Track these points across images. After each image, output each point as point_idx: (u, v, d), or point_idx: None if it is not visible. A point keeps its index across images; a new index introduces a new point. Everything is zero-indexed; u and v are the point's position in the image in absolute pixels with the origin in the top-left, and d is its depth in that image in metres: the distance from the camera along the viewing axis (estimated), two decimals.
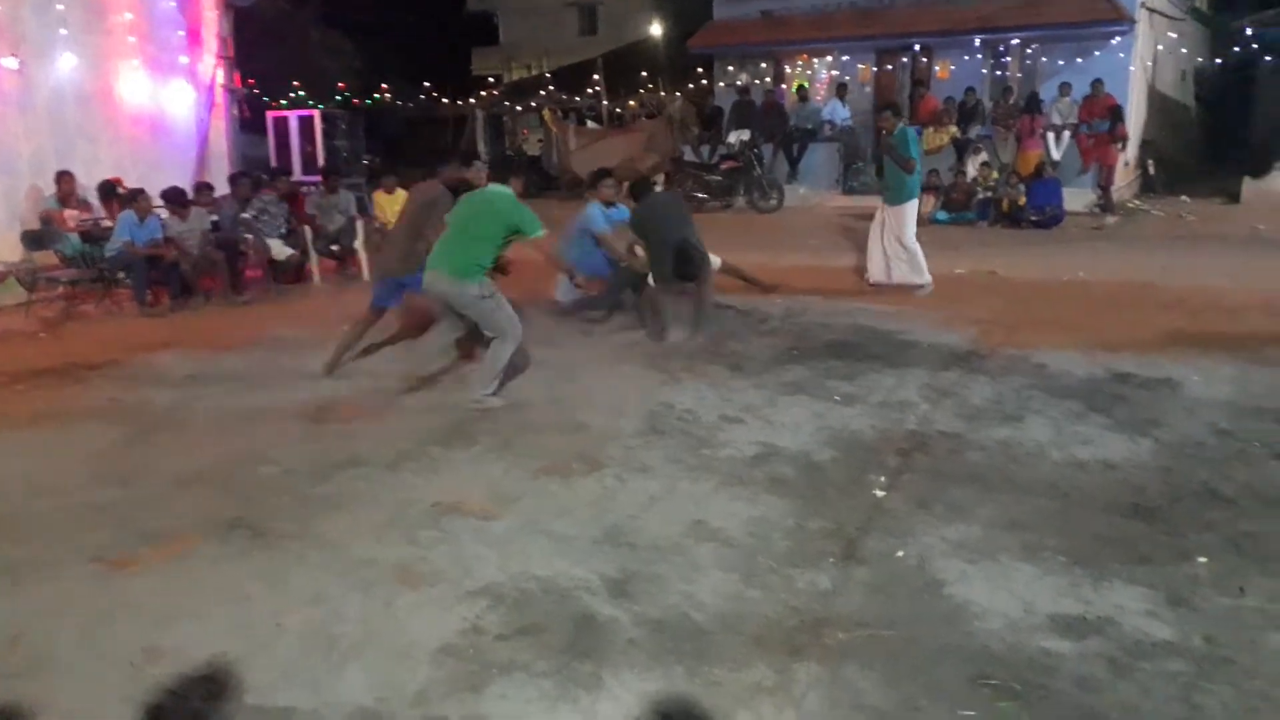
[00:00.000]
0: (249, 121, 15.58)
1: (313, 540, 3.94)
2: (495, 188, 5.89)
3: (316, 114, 16.90)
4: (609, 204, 7.74)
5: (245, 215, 9.80)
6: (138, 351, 7.30)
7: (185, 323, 8.56)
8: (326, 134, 16.64)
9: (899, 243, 8.79)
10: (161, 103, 11.81)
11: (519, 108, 24.54)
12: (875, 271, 9.07)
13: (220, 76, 12.55)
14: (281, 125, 16.81)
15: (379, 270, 6.50)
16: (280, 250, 9.90)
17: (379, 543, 3.90)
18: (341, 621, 3.29)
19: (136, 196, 9.19)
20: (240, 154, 13.16)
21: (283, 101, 19.15)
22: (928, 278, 8.81)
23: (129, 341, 7.69)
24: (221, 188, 10.73)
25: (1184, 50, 18.26)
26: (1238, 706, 2.74)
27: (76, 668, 3.06)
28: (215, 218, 9.81)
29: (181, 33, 12.07)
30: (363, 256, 10.75)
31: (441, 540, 3.88)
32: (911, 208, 8.84)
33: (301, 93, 20.86)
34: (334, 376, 6.36)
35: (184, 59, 12.06)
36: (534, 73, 29.25)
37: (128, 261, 8.93)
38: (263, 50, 18.46)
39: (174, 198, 9.47)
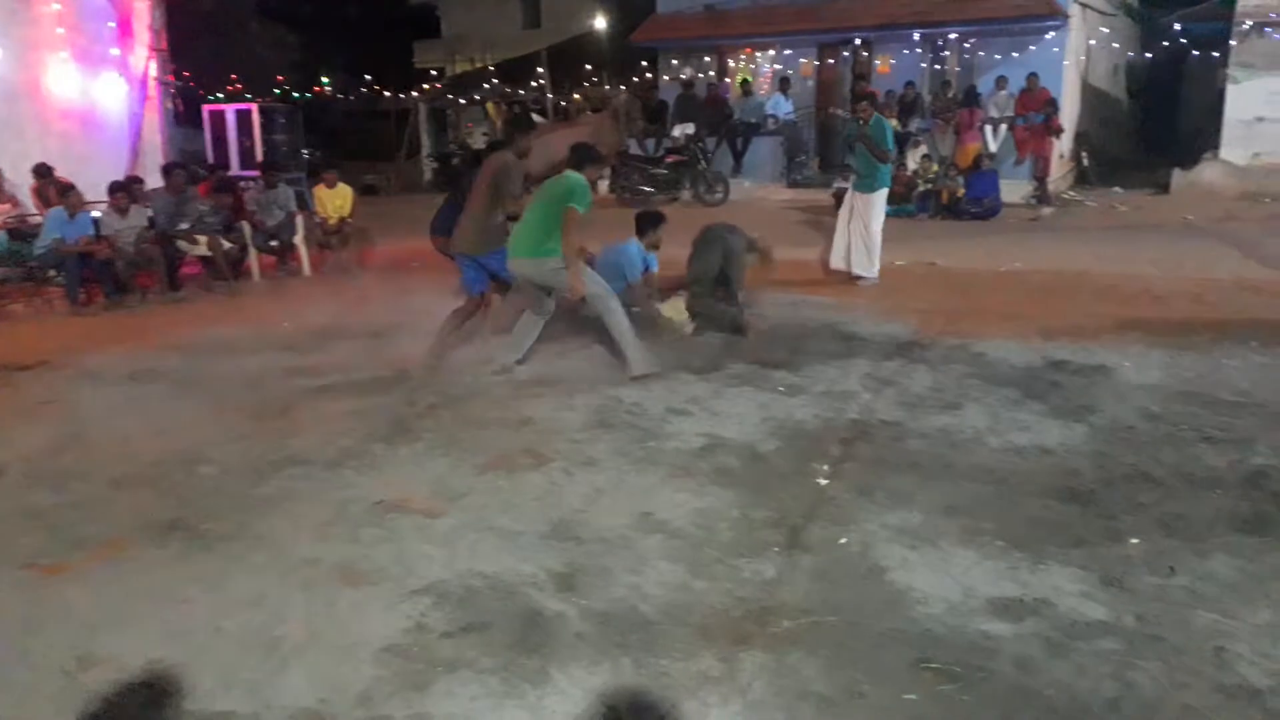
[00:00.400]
0: (185, 115, 15.25)
1: (252, 541, 3.87)
2: (573, 174, 6.05)
3: (254, 107, 16.58)
4: (653, 248, 7.40)
5: (183, 226, 9.57)
6: (70, 352, 7.11)
7: (120, 321, 8.36)
8: (265, 128, 16.33)
9: (866, 229, 8.89)
10: (92, 96, 11.52)
11: (462, 101, 24.30)
12: (836, 258, 9.14)
13: (153, 69, 12.27)
14: (218, 119, 16.45)
15: (457, 250, 6.47)
16: (199, 245, 9.66)
17: (321, 542, 3.84)
18: (283, 623, 3.24)
19: (67, 192, 8.94)
20: (176, 148, 12.89)
21: (219, 95, 18.74)
22: (876, 271, 8.92)
23: (61, 342, 7.49)
24: (157, 181, 10.48)
25: (1115, 45, 18.68)
26: (1168, 683, 2.82)
27: (8, 676, 2.98)
28: (150, 213, 9.58)
29: (112, 24, 11.77)
30: (303, 251, 10.59)
31: (385, 538, 3.84)
32: (882, 196, 8.96)
33: (239, 86, 20.45)
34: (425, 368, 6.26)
35: (115, 51, 11.77)
36: (477, 66, 28.98)
37: (58, 259, 8.69)
38: (198, 42, 18.05)
39: (119, 189, 9.23)
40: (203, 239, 9.58)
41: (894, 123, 15.19)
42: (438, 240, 7.41)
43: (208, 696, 2.86)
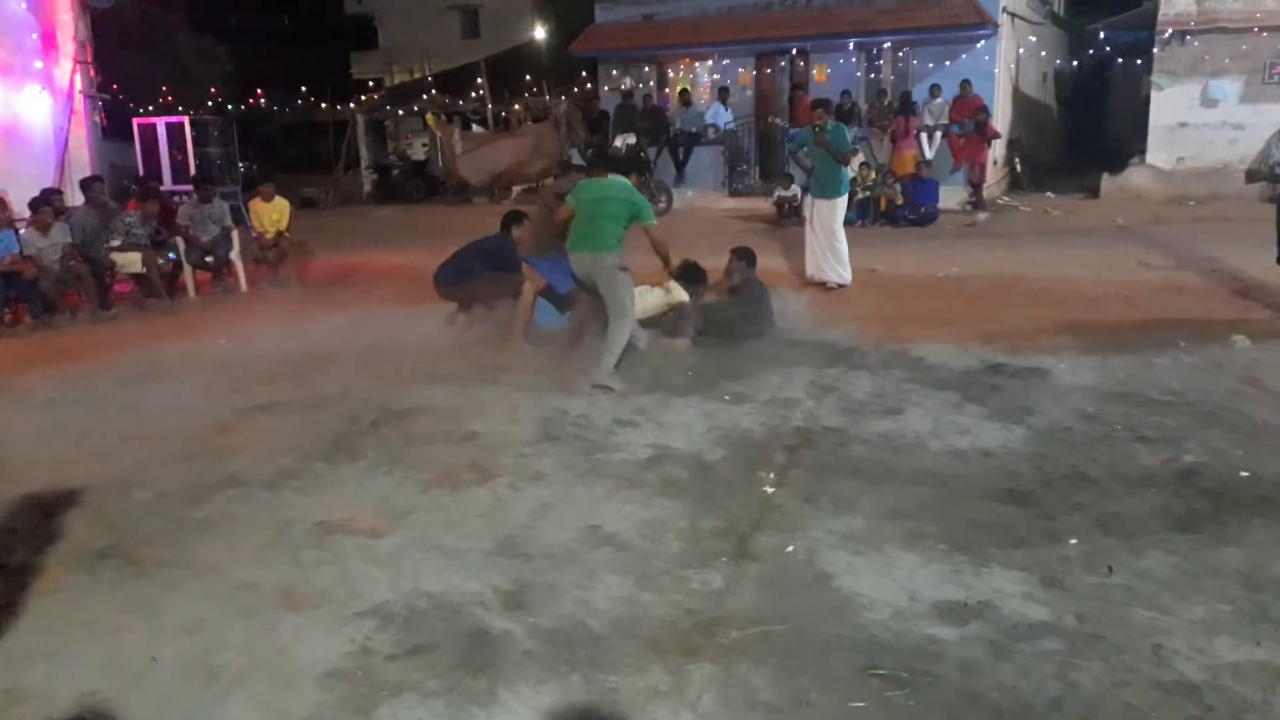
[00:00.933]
0: (114, 129, 14.88)
1: (189, 566, 3.77)
2: (616, 177, 6.42)
3: (186, 120, 16.26)
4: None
5: (114, 243, 9.31)
6: None
7: (48, 342, 8.10)
8: (198, 141, 16.03)
9: (830, 235, 8.91)
10: (15, 109, 11.19)
11: (401, 112, 24.08)
12: (811, 267, 9.19)
13: (79, 82, 11.94)
14: (149, 132, 16.12)
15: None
16: (130, 260, 9.40)
17: (260, 566, 3.75)
18: (222, 650, 3.16)
19: None
20: (105, 162, 12.56)
21: (150, 108, 18.34)
22: (849, 275, 8.99)
23: None
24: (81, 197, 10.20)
25: (1044, 53, 19.17)
26: (1109, 681, 2.88)
27: None
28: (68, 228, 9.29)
29: (36, 36, 11.45)
30: (239, 267, 10.38)
31: (327, 560, 3.76)
32: (844, 201, 9.07)
33: (171, 98, 20.02)
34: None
35: (39, 64, 11.44)
36: (416, 76, 28.78)
37: None
38: (126, 55, 17.66)
39: (41, 205, 8.96)
40: (136, 255, 9.32)
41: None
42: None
43: None
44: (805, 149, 9.19)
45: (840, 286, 8.95)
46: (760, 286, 7.51)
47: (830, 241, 8.93)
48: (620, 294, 6.19)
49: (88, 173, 11.62)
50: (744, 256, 7.40)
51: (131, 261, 9.33)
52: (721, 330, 7.08)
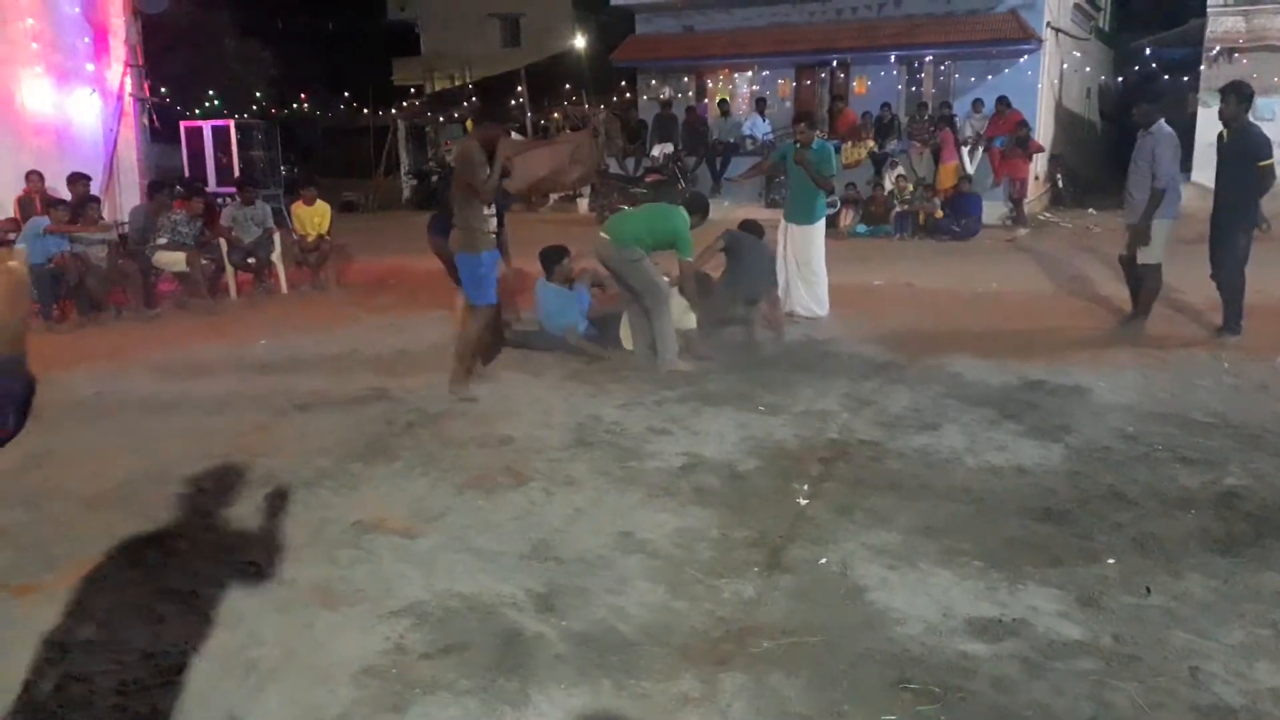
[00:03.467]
0: (161, 131, 15.16)
1: (226, 562, 3.83)
2: (678, 209, 6.81)
3: (231, 124, 16.53)
4: (567, 282, 7.46)
5: (160, 240, 9.47)
6: (42, 369, 6.99)
7: (94, 339, 8.27)
8: (242, 144, 16.30)
9: (807, 267, 8.20)
10: (67, 111, 11.42)
11: (441, 119, 24.32)
12: (789, 302, 8.30)
13: (129, 85, 12.18)
14: (195, 135, 16.40)
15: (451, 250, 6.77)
16: (174, 260, 9.55)
17: (297, 563, 3.81)
18: (259, 644, 3.21)
19: (56, 205, 8.88)
20: (152, 164, 12.79)
21: (196, 111, 18.67)
22: (826, 307, 8.29)
23: (33, 359, 7.38)
24: (132, 198, 10.40)
25: (1088, 69, 19.00)
26: (1145, 702, 2.84)
27: None
28: (122, 229, 9.49)
29: (88, 39, 11.69)
30: (280, 269, 10.53)
31: (362, 559, 3.81)
32: (821, 229, 8.31)
33: (216, 102, 20.38)
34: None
35: (90, 66, 11.68)
36: (456, 83, 29.03)
37: (32, 276, 8.60)
38: (175, 58, 18.00)
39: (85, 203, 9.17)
40: (180, 255, 9.48)
41: (871, 144, 15.35)
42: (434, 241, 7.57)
43: (183, 718, 2.82)
44: (782, 161, 8.45)
45: (811, 318, 8.16)
46: (750, 241, 7.47)
47: (804, 271, 8.18)
48: (646, 277, 6.59)
49: (136, 174, 11.88)
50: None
51: (175, 261, 9.49)
52: (711, 302, 7.16)
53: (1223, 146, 7.05)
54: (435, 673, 3.02)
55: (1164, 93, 7.30)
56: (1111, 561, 3.73)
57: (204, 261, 9.78)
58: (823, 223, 8.35)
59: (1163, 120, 7.19)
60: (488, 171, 5.90)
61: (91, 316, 8.84)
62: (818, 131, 8.69)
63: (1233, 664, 3.02)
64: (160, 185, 10.36)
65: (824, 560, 3.78)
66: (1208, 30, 15.37)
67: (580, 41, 25.05)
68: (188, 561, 3.84)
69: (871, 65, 16.84)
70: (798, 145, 8.10)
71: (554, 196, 19.45)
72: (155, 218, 9.60)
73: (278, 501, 4.45)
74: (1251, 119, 7.14)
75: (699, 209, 6.95)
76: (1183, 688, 2.91)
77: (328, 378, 6.52)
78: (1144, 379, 6.21)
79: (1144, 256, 7.33)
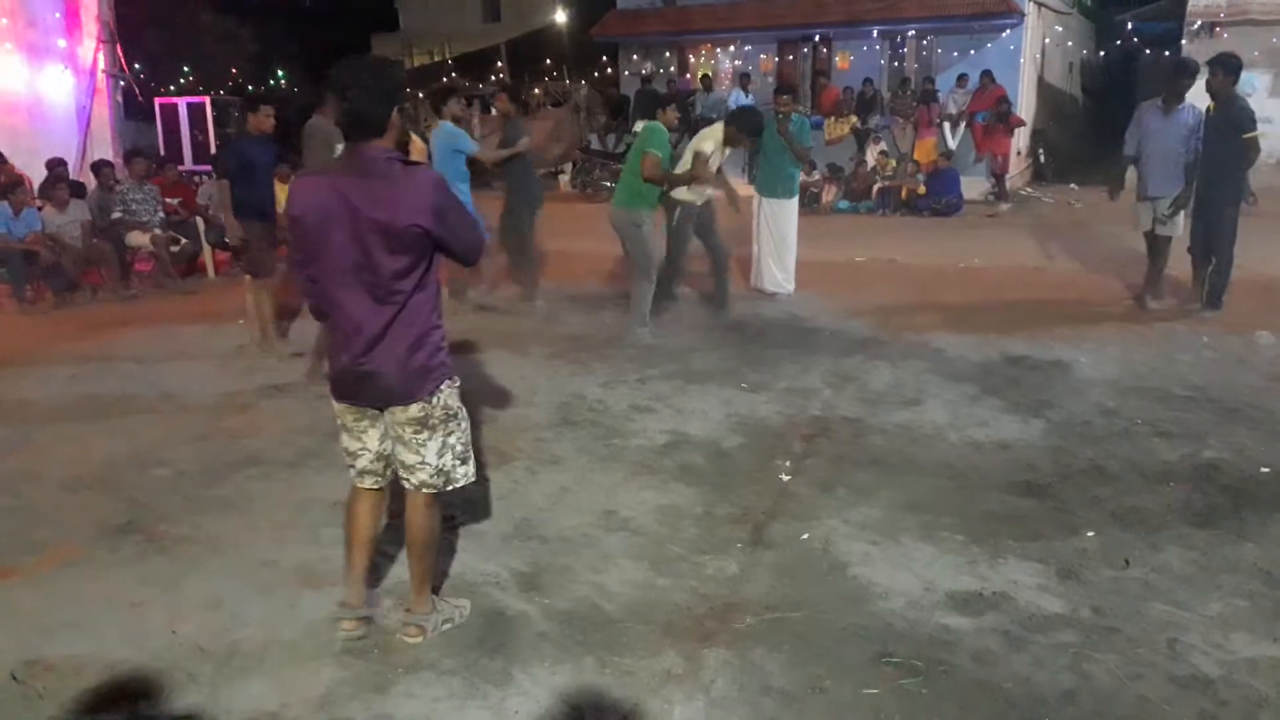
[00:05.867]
0: (136, 108, 14.96)
1: (209, 543, 3.81)
2: (650, 123, 6.79)
3: (207, 101, 16.31)
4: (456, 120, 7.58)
5: (115, 215, 9.30)
6: (18, 351, 6.95)
7: (69, 320, 8.17)
8: (218, 121, 16.08)
9: (783, 242, 8.12)
10: (38, 88, 11.25)
11: (421, 94, 24.07)
12: (762, 278, 8.32)
13: (102, 61, 11.99)
14: (170, 112, 16.18)
15: None
16: (138, 239, 9.36)
17: (279, 544, 3.79)
18: (241, 626, 3.19)
19: (15, 188, 8.72)
20: (127, 141, 12.60)
21: (172, 88, 18.41)
22: (793, 283, 8.22)
23: (8, 341, 7.31)
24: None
25: (1070, 43, 18.96)
26: (1123, 674, 2.87)
27: None
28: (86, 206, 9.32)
29: (59, 14, 11.50)
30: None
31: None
32: (795, 204, 8.29)
33: (192, 78, 20.10)
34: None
35: (62, 42, 11.49)
36: (436, 59, 28.73)
37: (3, 256, 8.48)
38: (149, 34, 17.73)
39: (55, 182, 9.02)
40: (145, 235, 9.31)
41: (854, 119, 15.30)
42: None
43: (165, 700, 2.81)
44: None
45: (780, 294, 8.11)
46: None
47: (779, 248, 8.11)
48: (639, 247, 6.68)
49: (110, 151, 11.70)
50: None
51: (145, 242, 9.35)
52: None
53: (1209, 119, 7.02)
54: (418, 652, 3.02)
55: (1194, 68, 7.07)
56: (1091, 535, 3.76)
57: (184, 241, 9.66)
58: (797, 198, 8.33)
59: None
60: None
61: (66, 297, 8.74)
62: (800, 107, 8.54)
63: (1210, 635, 3.06)
64: (103, 163, 10.12)
65: (806, 536, 3.79)
66: (1189, 4, 15.35)
67: (561, 16, 24.84)
68: (169, 544, 3.81)
69: (854, 40, 16.75)
70: (780, 116, 7.99)
71: (536, 172, 19.36)
72: (109, 195, 9.44)
73: (259, 482, 4.43)
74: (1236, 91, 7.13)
75: (744, 127, 6.94)
76: (1161, 659, 2.94)
77: (310, 356, 6.46)
78: (1125, 353, 6.24)
79: (1171, 229, 7.31)
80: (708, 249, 7.43)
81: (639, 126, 6.76)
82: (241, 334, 7.08)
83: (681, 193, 7.03)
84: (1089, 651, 2.98)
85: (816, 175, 14.22)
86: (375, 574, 3.23)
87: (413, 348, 2.84)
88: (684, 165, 6.95)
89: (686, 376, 5.93)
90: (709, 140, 6.98)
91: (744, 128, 6.93)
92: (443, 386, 2.93)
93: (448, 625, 3.14)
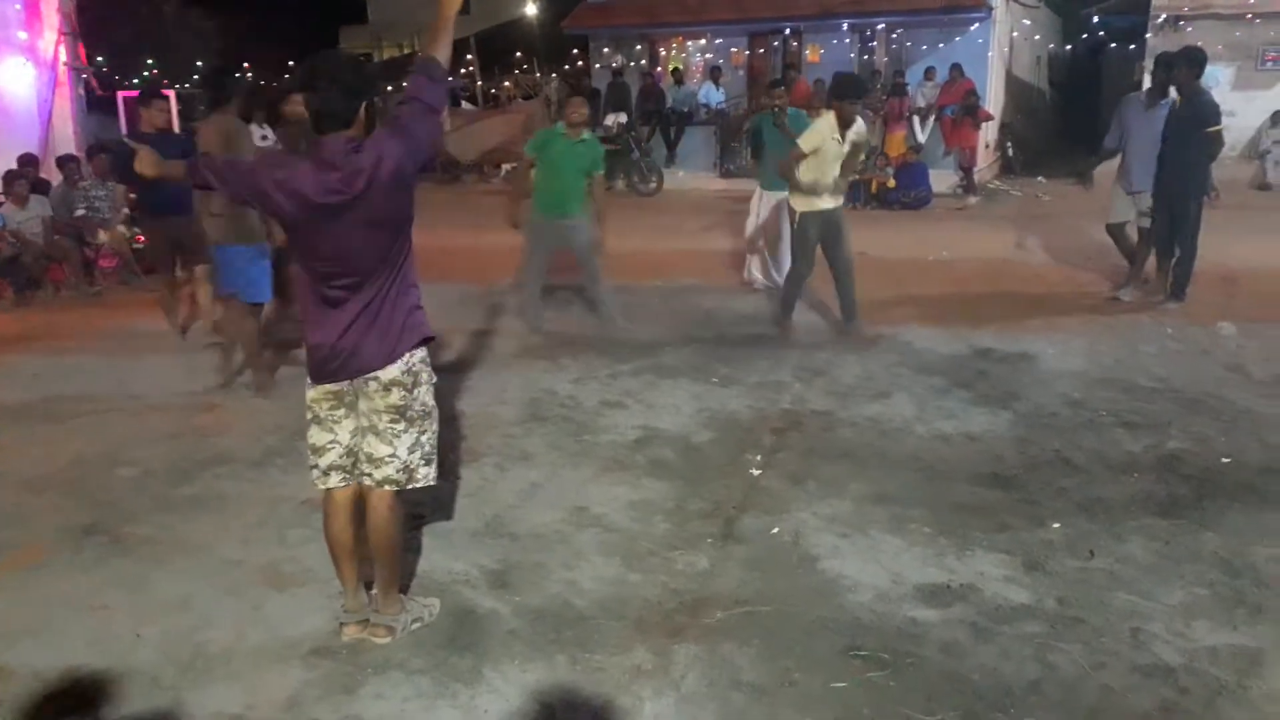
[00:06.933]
0: (99, 101, 14.71)
1: (175, 544, 3.77)
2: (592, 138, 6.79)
3: (173, 94, 16.07)
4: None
5: (78, 212, 9.14)
6: None
7: (31, 318, 8.04)
8: (184, 115, 15.83)
9: (781, 236, 7.92)
10: None
11: (390, 88, 23.90)
12: (756, 272, 8.35)
13: (64, 53, 11.78)
14: (135, 105, 15.92)
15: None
16: (104, 237, 9.15)
17: (246, 544, 3.76)
18: (207, 627, 3.17)
19: None
20: (90, 135, 12.39)
21: (136, 81, 18.15)
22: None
23: None
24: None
25: (1038, 37, 19.13)
26: (1088, 663, 2.91)
27: None
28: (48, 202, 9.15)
29: (19, 6, 11.26)
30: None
31: (313, 539, 3.72)
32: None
33: (156, 71, 19.83)
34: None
35: (22, 34, 11.27)
36: (405, 52, 28.57)
37: None
38: (112, 27, 17.47)
39: (14, 178, 8.85)
40: (104, 233, 9.16)
41: (824, 112, 15.32)
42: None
43: (130, 705, 2.79)
44: (759, 131, 8.21)
45: (769, 288, 8.06)
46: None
47: (778, 242, 7.98)
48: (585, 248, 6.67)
49: (73, 145, 11.49)
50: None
51: (109, 239, 9.19)
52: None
53: (1174, 113, 7.07)
54: (387, 652, 3.00)
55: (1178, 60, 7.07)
56: (1057, 526, 3.80)
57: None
58: None
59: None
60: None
61: (28, 295, 8.60)
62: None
63: (1173, 624, 3.10)
64: (69, 158, 9.96)
65: (777, 530, 3.81)
66: None
67: (531, 9, 24.75)
68: (134, 545, 3.77)
69: (825, 34, 16.79)
70: (776, 110, 7.86)
71: (506, 166, 19.28)
72: (72, 191, 9.29)
73: (225, 482, 4.39)
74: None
75: (850, 93, 6.39)
76: (1125, 648, 2.98)
77: (275, 354, 6.40)
78: (1090, 345, 6.31)
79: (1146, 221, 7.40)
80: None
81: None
82: (208, 332, 6.98)
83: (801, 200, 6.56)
84: (1054, 642, 3.02)
85: None
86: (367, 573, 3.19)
87: (390, 315, 2.90)
88: (807, 173, 6.41)
89: (657, 371, 5.93)
90: (816, 135, 6.37)
91: (849, 93, 6.36)
92: (423, 366, 2.98)
93: (417, 624, 3.13)
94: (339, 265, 2.84)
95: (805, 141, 6.36)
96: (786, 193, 7.89)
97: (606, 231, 6.84)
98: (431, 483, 3.14)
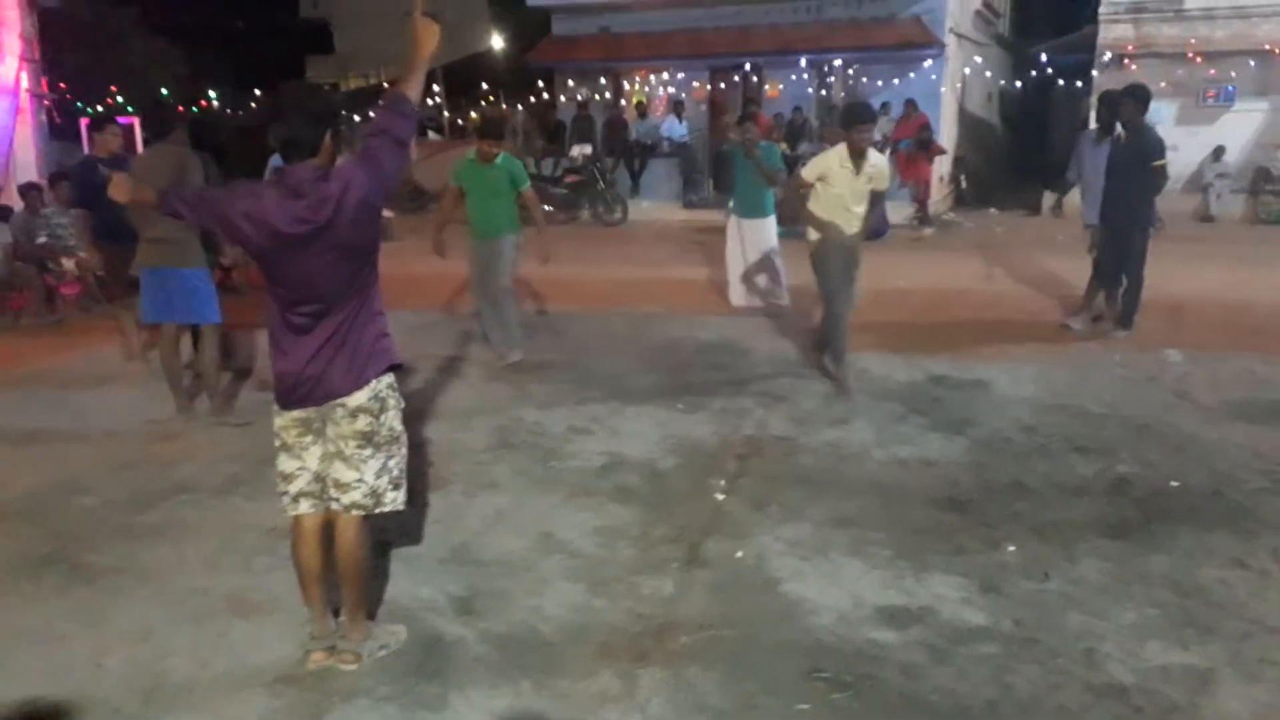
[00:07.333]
0: (61, 129, 14.58)
1: (137, 573, 3.74)
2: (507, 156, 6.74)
3: (136, 122, 15.97)
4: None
5: (39, 240, 9.05)
6: None
7: None
8: (148, 143, 15.72)
9: (769, 257, 8.36)
10: None
11: (356, 118, 23.89)
12: (738, 296, 8.61)
13: (25, 80, 11.69)
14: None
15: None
16: (71, 266, 9.06)
17: (210, 572, 3.74)
18: (170, 656, 3.15)
19: None
20: (52, 162, 12.27)
21: (99, 108, 17.99)
22: (788, 296, 8.39)
23: None
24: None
25: (989, 73, 19.60)
26: (1043, 683, 2.98)
27: None
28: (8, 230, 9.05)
29: None
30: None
31: (278, 566, 3.73)
32: (774, 221, 8.53)
33: (120, 99, 19.66)
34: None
35: None
36: (372, 82, 28.60)
37: None
38: (75, 54, 17.33)
39: None
40: (68, 260, 9.07)
41: (784, 146, 15.59)
42: None
43: None
44: (732, 161, 8.51)
45: (784, 305, 8.33)
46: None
47: (768, 262, 8.34)
48: (505, 269, 6.69)
49: (34, 172, 11.38)
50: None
51: (72, 267, 9.10)
52: None
53: (1119, 149, 7.30)
54: (354, 680, 3.01)
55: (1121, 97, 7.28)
56: (1012, 549, 3.89)
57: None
58: (774, 216, 8.60)
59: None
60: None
61: None
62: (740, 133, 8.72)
63: (1125, 644, 3.19)
64: (32, 186, 9.86)
65: (740, 554, 3.87)
66: (1099, 37, 16.03)
67: (497, 42, 24.93)
68: (94, 575, 3.73)
69: (783, 69, 17.10)
70: (747, 142, 8.23)
71: None
72: (34, 219, 9.20)
73: (188, 509, 4.36)
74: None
75: (852, 119, 6.14)
76: (1079, 668, 3.06)
77: (240, 381, 6.38)
78: (1042, 373, 6.47)
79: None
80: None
81: None
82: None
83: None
84: (1010, 662, 3.09)
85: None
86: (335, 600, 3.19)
87: (357, 342, 2.94)
88: (820, 204, 6.23)
89: (623, 398, 5.99)
90: (821, 163, 6.21)
91: (856, 119, 6.13)
92: (390, 392, 3.02)
93: (383, 652, 3.13)
94: (305, 292, 2.88)
95: (809, 170, 6.24)
96: (762, 217, 8.43)
97: (547, 241, 6.85)
98: (400, 507, 3.16)
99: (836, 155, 6.12)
